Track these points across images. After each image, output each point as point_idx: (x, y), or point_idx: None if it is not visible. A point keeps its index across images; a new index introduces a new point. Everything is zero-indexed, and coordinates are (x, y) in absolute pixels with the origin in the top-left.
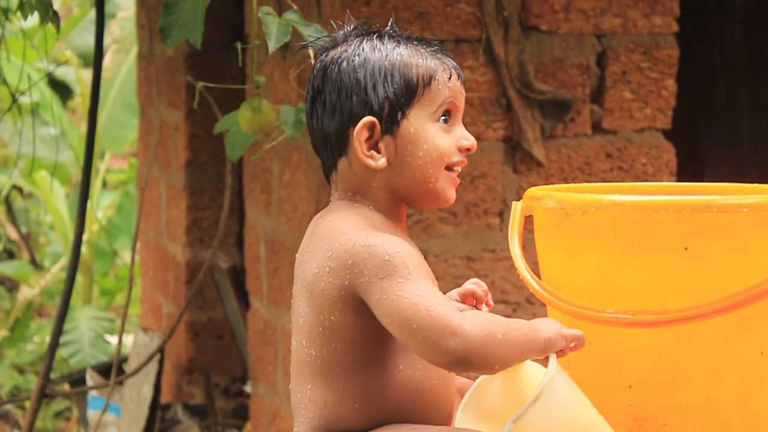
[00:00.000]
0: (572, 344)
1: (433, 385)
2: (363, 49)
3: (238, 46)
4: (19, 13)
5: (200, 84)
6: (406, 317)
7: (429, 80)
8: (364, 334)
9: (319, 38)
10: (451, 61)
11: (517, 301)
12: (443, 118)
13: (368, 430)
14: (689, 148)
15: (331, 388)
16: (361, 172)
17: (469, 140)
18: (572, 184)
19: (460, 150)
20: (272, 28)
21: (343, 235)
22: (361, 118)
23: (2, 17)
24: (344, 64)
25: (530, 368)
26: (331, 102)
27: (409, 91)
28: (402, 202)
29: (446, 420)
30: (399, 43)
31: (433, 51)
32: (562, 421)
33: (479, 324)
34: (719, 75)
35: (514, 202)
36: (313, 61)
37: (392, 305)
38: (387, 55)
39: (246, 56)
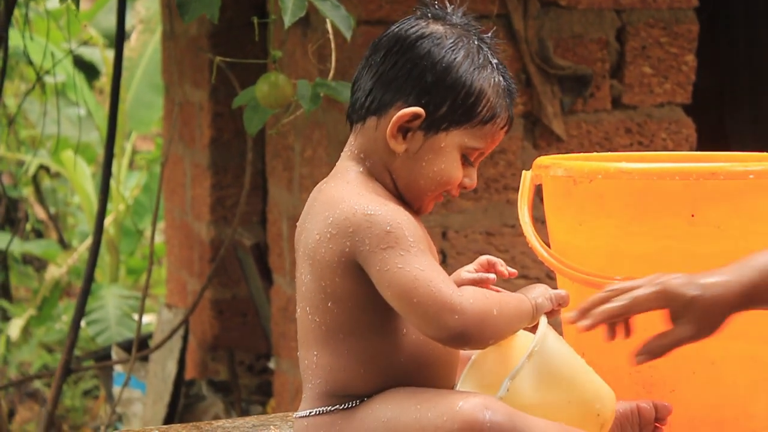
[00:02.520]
0: (558, 304)
1: (437, 347)
2: (459, 49)
3: (255, 20)
4: None
5: (218, 58)
6: (407, 291)
7: (488, 119)
8: (365, 300)
9: (430, 2)
10: (512, 107)
11: (537, 276)
12: (469, 156)
13: (374, 393)
14: (714, 127)
15: (336, 353)
16: (381, 141)
17: (471, 180)
18: (581, 154)
19: (460, 185)
20: (288, 2)
21: (344, 202)
22: (414, 104)
23: None
24: (435, 49)
25: (523, 338)
26: (401, 69)
27: (468, 116)
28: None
29: (450, 383)
30: (490, 63)
31: (510, 91)
32: (556, 375)
33: (477, 301)
34: (743, 55)
35: (524, 171)
36: (331, 36)
37: (393, 278)
38: (473, 71)
39: (266, 32)
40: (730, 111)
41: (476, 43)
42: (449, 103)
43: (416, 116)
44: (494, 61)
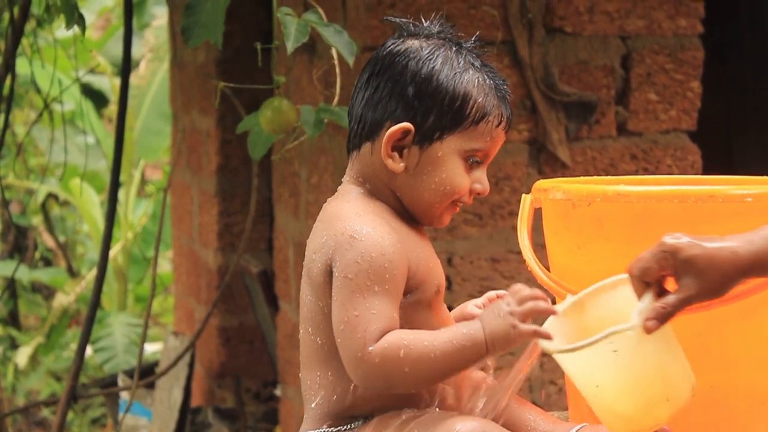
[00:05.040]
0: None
1: None
2: (436, 57)
3: (258, 46)
4: (55, 23)
5: (221, 84)
6: (338, 330)
7: (479, 119)
8: None
9: (405, 19)
10: (509, 107)
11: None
12: (471, 159)
13: (376, 414)
14: (721, 153)
15: (339, 373)
16: (378, 164)
17: (482, 185)
18: (581, 177)
19: (471, 192)
20: (291, 28)
21: (339, 222)
22: (401, 120)
23: (34, 25)
24: (412, 63)
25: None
26: (383, 89)
27: (457, 120)
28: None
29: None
30: (472, 65)
31: (498, 89)
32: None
33: (387, 359)
34: (750, 81)
35: (523, 195)
36: (336, 62)
37: (336, 311)
38: (455, 75)
39: (271, 59)
40: (737, 136)
41: (454, 48)
42: (436, 112)
43: (406, 132)
44: (476, 63)
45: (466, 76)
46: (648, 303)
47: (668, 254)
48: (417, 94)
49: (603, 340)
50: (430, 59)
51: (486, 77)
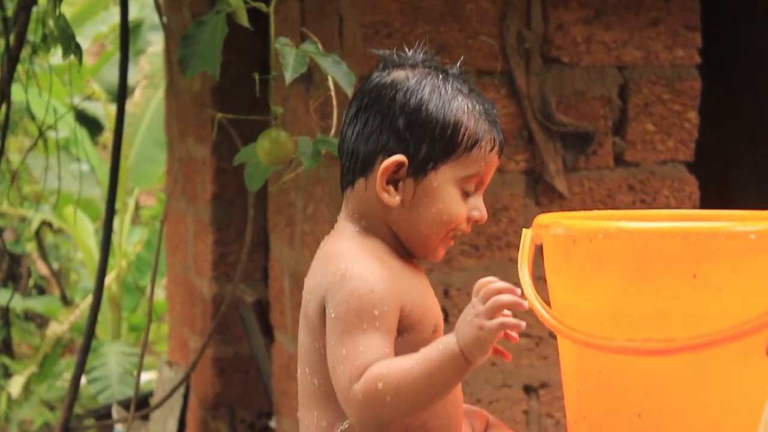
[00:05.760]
0: (505, 330)
1: (437, 408)
2: (423, 87)
3: (256, 77)
4: (51, 50)
5: (219, 115)
6: (330, 368)
7: (472, 146)
8: None
9: (388, 51)
10: (500, 130)
11: (540, 335)
12: (467, 187)
13: None
14: (718, 182)
15: (337, 414)
16: (374, 199)
17: (480, 212)
18: (582, 212)
19: (469, 219)
20: (289, 58)
21: (333, 262)
22: (393, 153)
23: (30, 51)
24: (400, 94)
25: None
26: (373, 123)
27: (449, 149)
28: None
29: None
30: (460, 92)
31: (488, 113)
32: None
33: (368, 393)
34: (748, 110)
35: (524, 230)
36: (333, 93)
37: (328, 352)
38: (444, 104)
39: (268, 89)
40: (734, 165)
41: (441, 76)
42: (428, 142)
43: (400, 165)
44: (464, 89)
45: (455, 103)
46: None
47: None
48: (408, 126)
49: None
50: (418, 89)
51: (475, 103)
